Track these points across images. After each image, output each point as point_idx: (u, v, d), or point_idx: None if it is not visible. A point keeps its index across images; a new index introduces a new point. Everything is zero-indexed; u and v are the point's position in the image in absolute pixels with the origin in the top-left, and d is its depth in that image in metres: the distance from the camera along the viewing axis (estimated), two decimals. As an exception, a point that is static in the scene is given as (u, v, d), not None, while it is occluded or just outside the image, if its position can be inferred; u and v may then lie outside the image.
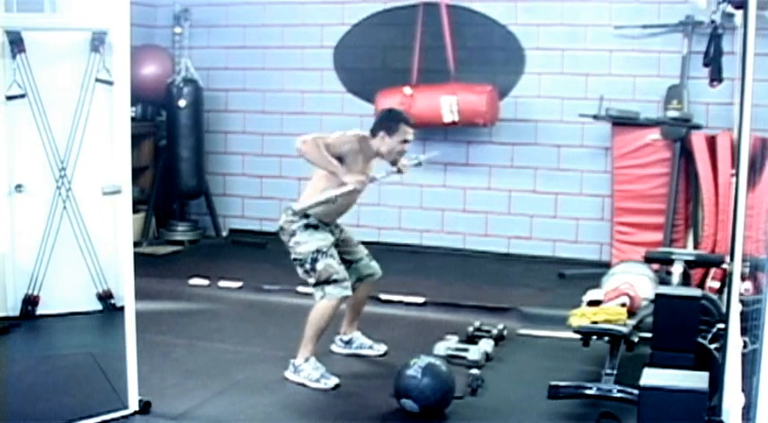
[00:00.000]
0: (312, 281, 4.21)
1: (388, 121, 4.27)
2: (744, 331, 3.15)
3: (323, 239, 4.23)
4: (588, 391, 3.75)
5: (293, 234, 4.25)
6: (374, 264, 4.52)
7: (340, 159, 4.15)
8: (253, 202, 7.45)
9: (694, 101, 6.08)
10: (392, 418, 3.78)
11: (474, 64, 6.63)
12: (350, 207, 4.37)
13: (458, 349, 4.50)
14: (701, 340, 3.82)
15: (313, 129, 7.05)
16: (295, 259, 4.26)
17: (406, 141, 4.28)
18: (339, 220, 4.43)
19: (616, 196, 6.29)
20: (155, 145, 7.41)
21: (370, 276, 4.48)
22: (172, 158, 7.12)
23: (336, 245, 4.29)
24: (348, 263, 4.35)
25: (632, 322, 3.95)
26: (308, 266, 4.20)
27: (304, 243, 4.21)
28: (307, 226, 4.24)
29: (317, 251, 4.19)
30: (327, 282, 4.16)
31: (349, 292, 4.21)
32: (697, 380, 3.16)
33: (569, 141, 6.56)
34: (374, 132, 4.27)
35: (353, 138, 4.24)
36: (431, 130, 6.68)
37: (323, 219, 4.26)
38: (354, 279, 4.36)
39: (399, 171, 4.46)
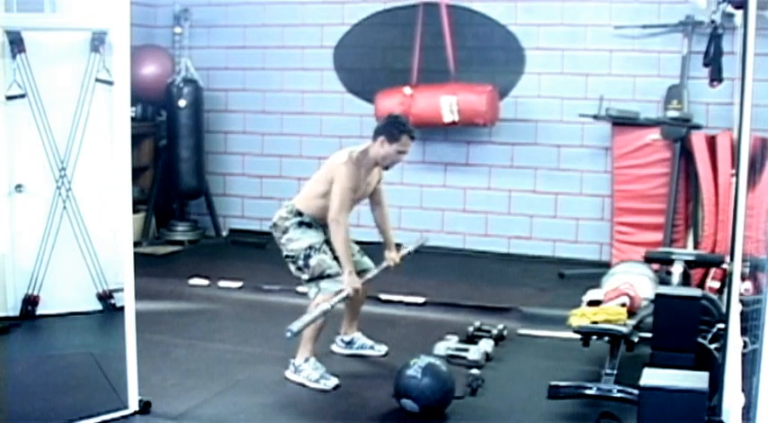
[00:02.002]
0: (306, 277, 4.21)
1: (392, 128, 4.25)
2: (744, 331, 3.15)
3: (315, 236, 4.24)
4: (588, 391, 3.75)
5: (286, 231, 4.26)
6: (366, 259, 4.51)
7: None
8: (253, 202, 7.45)
9: (694, 101, 6.08)
10: (392, 418, 3.78)
11: (474, 64, 6.63)
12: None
13: (458, 349, 4.50)
14: (701, 340, 3.81)
15: (313, 129, 7.15)
16: (287, 256, 4.27)
17: (403, 152, 4.28)
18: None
19: (616, 196, 6.29)
20: (155, 145, 7.41)
21: (364, 272, 4.48)
22: (172, 158, 7.12)
23: (328, 242, 4.29)
24: None
25: (632, 322, 3.95)
26: (300, 263, 4.20)
27: (296, 240, 4.22)
28: (300, 223, 4.25)
29: (310, 247, 4.19)
30: (321, 277, 4.16)
31: (343, 286, 4.21)
32: (697, 380, 3.16)
33: (569, 141, 6.56)
34: (375, 136, 4.26)
35: (353, 166, 4.21)
36: (431, 130, 6.68)
37: (319, 221, 4.27)
38: None
39: (389, 267, 4.55)
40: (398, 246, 4.66)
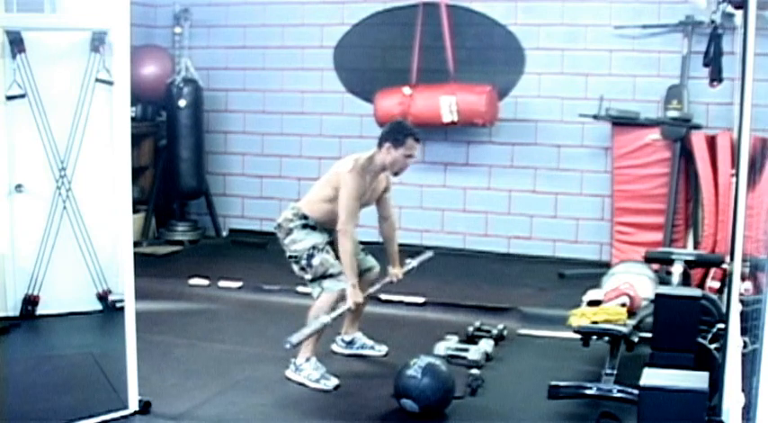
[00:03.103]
0: (309, 277, 4.22)
1: (396, 134, 4.25)
2: (744, 331, 3.16)
3: (319, 237, 4.25)
4: (588, 391, 3.75)
5: (290, 232, 4.27)
6: (370, 258, 4.52)
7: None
8: (253, 202, 7.45)
9: (694, 101, 6.08)
10: (392, 418, 3.78)
11: (474, 64, 6.63)
12: None
13: (458, 349, 4.50)
14: (701, 340, 3.82)
15: (313, 129, 7.15)
16: (290, 257, 4.28)
17: (410, 156, 4.27)
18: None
19: (616, 196, 6.29)
20: (155, 145, 7.41)
21: (368, 271, 4.48)
22: (172, 158, 7.12)
23: (332, 243, 4.29)
24: None
25: (632, 322, 3.95)
26: (303, 263, 4.21)
27: (300, 241, 4.23)
28: (305, 226, 4.26)
29: (313, 247, 4.21)
30: (324, 276, 4.18)
31: (345, 285, 4.21)
32: (697, 380, 3.16)
33: (569, 141, 6.56)
34: (381, 143, 4.26)
35: (359, 174, 4.21)
36: (431, 130, 6.68)
37: (323, 225, 4.28)
38: None
39: (392, 282, 4.55)
40: (403, 258, 4.67)
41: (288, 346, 3.81)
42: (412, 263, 4.75)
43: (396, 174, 4.37)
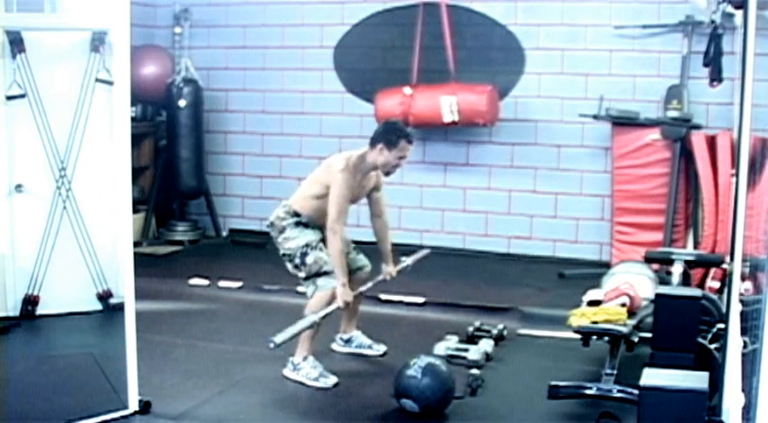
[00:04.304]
0: (302, 275, 4.23)
1: (389, 135, 4.24)
2: (744, 331, 3.15)
3: (312, 235, 4.26)
4: (588, 391, 3.75)
5: (283, 230, 4.27)
6: (362, 256, 4.52)
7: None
8: (253, 202, 7.45)
9: (694, 101, 6.08)
10: (392, 418, 3.78)
11: (474, 64, 6.63)
12: None
13: (458, 349, 4.50)
14: (701, 340, 3.81)
15: (313, 129, 7.15)
16: (284, 255, 4.28)
17: (402, 158, 4.27)
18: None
19: (616, 196, 6.29)
20: (155, 145, 7.41)
21: (359, 270, 4.48)
22: (172, 158, 7.12)
23: (325, 241, 4.28)
24: None
25: (632, 322, 3.95)
26: (297, 261, 4.21)
27: (293, 238, 4.24)
28: (297, 223, 4.27)
29: (306, 245, 4.21)
30: (318, 274, 4.18)
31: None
32: (697, 380, 3.15)
33: (569, 141, 6.56)
34: (373, 143, 4.26)
35: (350, 173, 4.20)
36: (431, 130, 6.69)
37: (315, 222, 4.28)
38: None
39: (385, 280, 4.54)
40: (398, 255, 4.66)
41: (271, 345, 3.81)
42: (407, 261, 4.73)
43: (387, 174, 4.37)
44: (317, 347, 4.27)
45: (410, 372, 3.75)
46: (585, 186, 6.56)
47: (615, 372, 3.84)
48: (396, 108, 6.47)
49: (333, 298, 4.17)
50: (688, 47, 6.10)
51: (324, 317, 4.09)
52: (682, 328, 3.75)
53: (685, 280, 4.67)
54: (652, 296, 4.02)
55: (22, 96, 5.02)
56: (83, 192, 5.21)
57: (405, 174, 6.68)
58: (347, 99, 7.10)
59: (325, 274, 4.18)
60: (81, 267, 5.20)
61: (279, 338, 3.84)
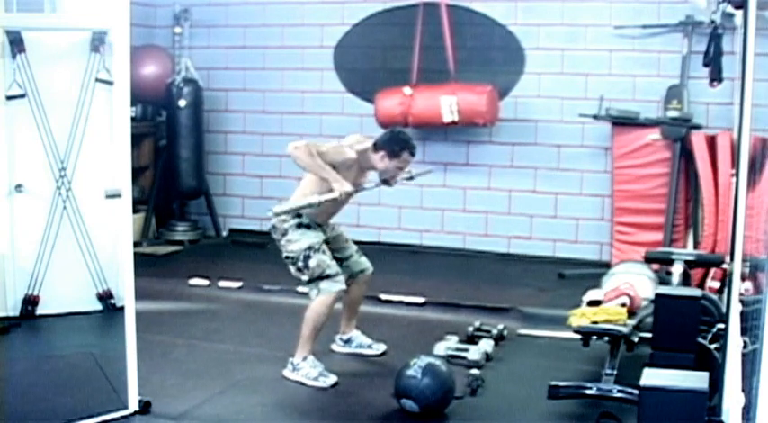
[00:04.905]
0: (305, 278, 4.22)
1: (394, 145, 4.25)
2: (744, 331, 3.15)
3: (315, 237, 4.24)
4: (588, 391, 3.75)
5: (285, 233, 4.26)
6: (364, 259, 4.53)
7: (332, 167, 4.15)
8: (253, 202, 7.45)
9: (694, 101, 6.08)
10: (392, 418, 3.78)
11: (474, 64, 6.63)
12: (340, 208, 4.37)
13: (458, 349, 4.50)
14: (701, 340, 3.81)
15: (313, 129, 7.15)
16: (287, 257, 4.27)
17: (401, 168, 4.31)
18: (337, 219, 4.46)
19: (616, 196, 6.29)
20: (155, 145, 7.41)
21: (361, 273, 4.49)
22: (172, 158, 7.12)
23: (327, 242, 4.29)
24: (339, 261, 4.34)
25: (632, 322, 3.95)
26: (300, 264, 4.21)
27: (296, 241, 4.22)
28: (299, 225, 4.26)
29: (309, 248, 4.20)
30: (321, 277, 4.17)
31: (343, 286, 4.22)
32: (697, 380, 3.15)
33: (569, 141, 6.56)
34: (376, 148, 4.26)
35: (351, 150, 4.21)
36: (431, 130, 6.68)
37: (315, 219, 4.28)
38: (347, 276, 4.35)
39: (387, 183, 4.47)
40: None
41: (270, 213, 3.96)
42: (412, 171, 4.61)
43: (385, 182, 4.38)
44: (316, 347, 4.27)
45: (410, 372, 3.75)
46: (585, 186, 6.56)
47: (615, 372, 3.84)
48: (395, 108, 6.48)
49: (336, 301, 4.18)
50: (688, 47, 6.10)
51: (321, 202, 4.09)
52: (682, 328, 3.75)
53: (685, 280, 4.67)
54: (652, 296, 4.02)
55: (22, 96, 5.02)
56: (83, 192, 5.21)
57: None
58: (347, 99, 7.10)
59: (328, 277, 4.17)
60: (81, 267, 5.19)
61: (278, 208, 3.98)
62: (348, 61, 7.10)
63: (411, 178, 4.64)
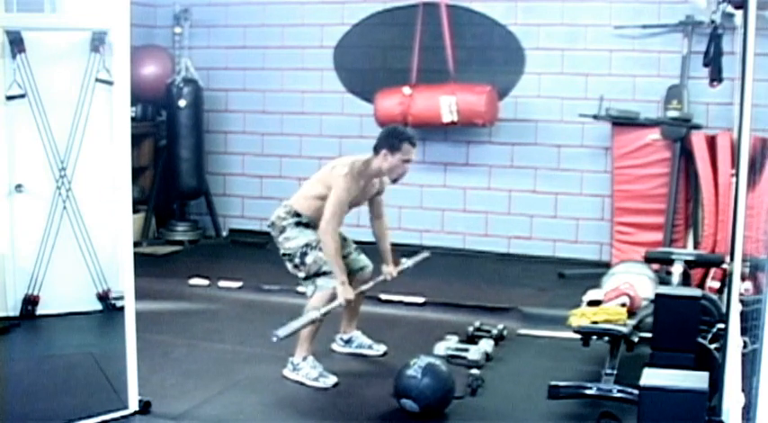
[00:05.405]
0: (302, 275, 4.23)
1: (392, 139, 4.25)
2: (744, 331, 3.15)
3: (312, 235, 4.25)
4: (588, 391, 3.75)
5: (283, 230, 4.27)
6: (363, 257, 4.53)
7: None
8: (253, 202, 7.45)
9: (694, 101, 6.08)
10: (392, 418, 3.78)
11: (474, 64, 6.63)
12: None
13: (458, 349, 4.50)
14: (701, 340, 3.81)
15: (313, 129, 7.15)
16: (284, 254, 4.28)
17: (408, 161, 4.27)
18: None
19: (616, 196, 6.29)
20: (155, 145, 7.41)
21: (361, 270, 4.48)
22: (172, 158, 7.12)
23: None
24: None
25: (632, 322, 3.95)
26: (297, 261, 4.21)
27: (294, 238, 4.24)
28: (298, 223, 4.27)
29: (306, 245, 4.21)
30: (317, 274, 4.18)
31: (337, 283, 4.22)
32: (697, 380, 3.15)
33: (569, 141, 6.56)
34: (377, 149, 4.26)
35: (353, 178, 4.21)
36: (430, 130, 6.68)
37: (315, 221, 4.28)
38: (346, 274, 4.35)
39: (386, 280, 4.55)
40: (398, 257, 4.66)
41: (275, 338, 3.85)
42: (407, 262, 4.74)
43: (394, 181, 4.37)
44: (317, 347, 4.27)
45: (410, 372, 3.75)
46: (585, 186, 6.56)
47: (615, 372, 3.84)
48: (395, 108, 6.48)
49: (333, 297, 4.17)
50: (688, 47, 6.10)
51: (325, 314, 4.09)
52: (682, 328, 3.75)
53: (685, 280, 4.67)
54: (652, 296, 4.02)
55: (22, 96, 5.02)
56: (83, 192, 5.21)
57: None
58: (347, 99, 7.10)
59: (325, 274, 4.18)
60: (81, 267, 5.19)
61: (282, 332, 3.88)
62: (348, 61, 7.10)
63: (408, 267, 4.71)
